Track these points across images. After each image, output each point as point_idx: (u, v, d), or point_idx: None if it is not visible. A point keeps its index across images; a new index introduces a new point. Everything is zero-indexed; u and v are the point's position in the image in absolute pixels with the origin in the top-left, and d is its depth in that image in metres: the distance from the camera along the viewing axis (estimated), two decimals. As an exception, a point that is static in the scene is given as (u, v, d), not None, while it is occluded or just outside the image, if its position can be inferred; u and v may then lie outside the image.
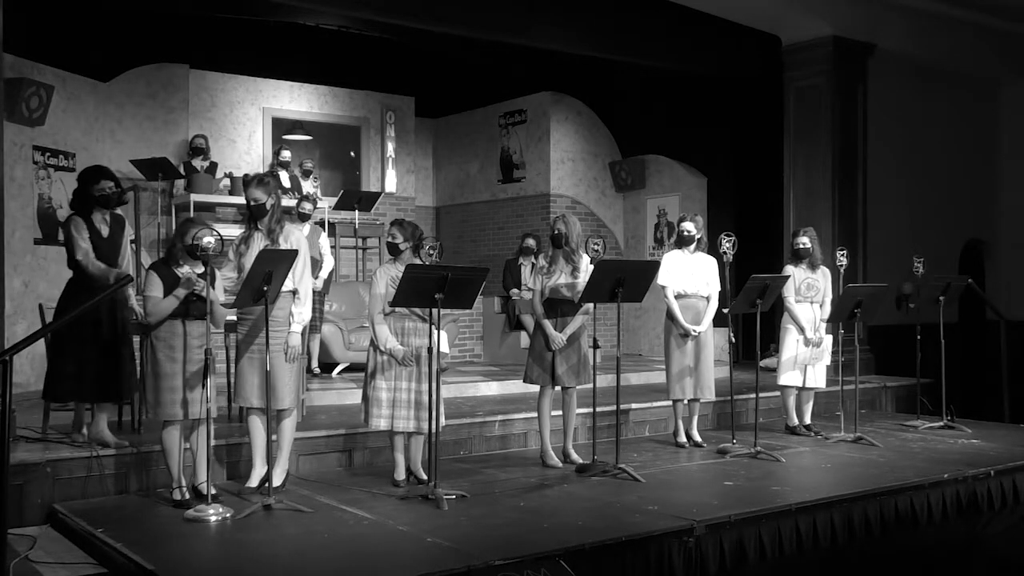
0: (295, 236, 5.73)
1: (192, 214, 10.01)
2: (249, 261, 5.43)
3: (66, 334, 5.73)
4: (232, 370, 6.20)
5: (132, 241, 6.63)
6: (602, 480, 6.11)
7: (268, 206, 5.67)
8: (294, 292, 5.67)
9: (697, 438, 7.42)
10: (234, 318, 5.86)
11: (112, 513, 5.31)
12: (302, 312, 5.68)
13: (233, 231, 8.06)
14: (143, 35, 10.35)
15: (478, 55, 11.49)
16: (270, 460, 5.65)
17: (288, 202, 10.23)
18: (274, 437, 5.75)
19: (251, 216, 5.74)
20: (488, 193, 13.44)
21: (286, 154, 10.69)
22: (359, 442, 6.63)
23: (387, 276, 5.82)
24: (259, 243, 5.62)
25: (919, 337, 8.34)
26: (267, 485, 5.46)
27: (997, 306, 10.24)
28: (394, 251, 5.99)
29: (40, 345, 6.33)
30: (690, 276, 7.25)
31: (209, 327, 5.29)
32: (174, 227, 10.33)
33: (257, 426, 5.72)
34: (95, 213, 5.84)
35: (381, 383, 5.85)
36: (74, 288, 5.80)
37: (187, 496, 5.42)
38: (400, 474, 5.98)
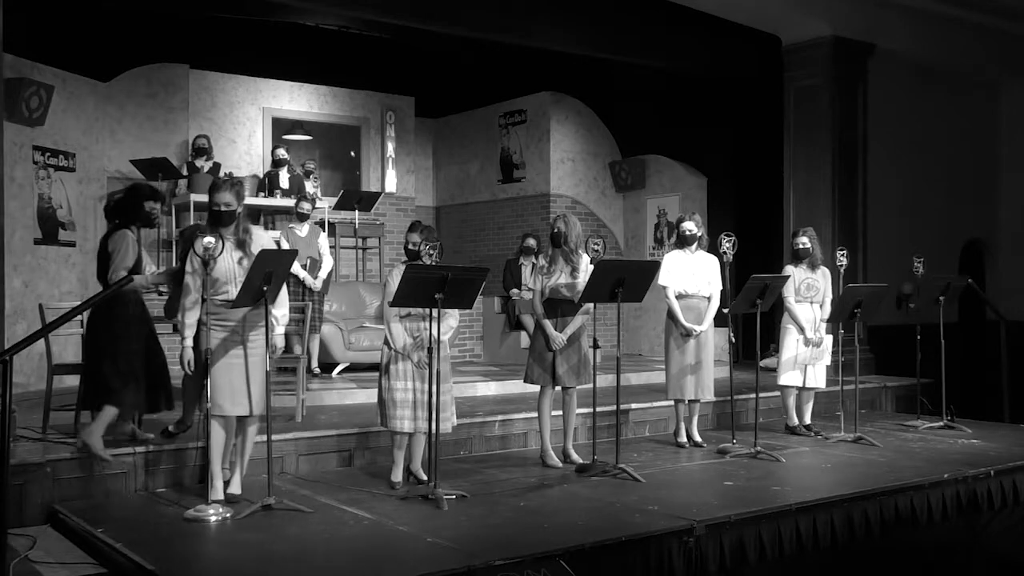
0: (264, 240, 5.53)
1: (192, 214, 10.01)
2: (219, 269, 5.29)
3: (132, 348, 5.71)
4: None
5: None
6: (602, 480, 6.11)
7: (236, 213, 5.40)
8: None
9: (697, 438, 7.42)
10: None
11: (112, 513, 5.31)
12: (278, 316, 5.46)
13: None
14: (143, 35, 10.34)
15: (478, 55, 11.49)
16: (235, 467, 5.53)
17: (287, 202, 10.29)
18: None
19: (215, 221, 5.38)
20: (488, 193, 13.44)
21: (279, 152, 10.67)
22: (359, 442, 6.63)
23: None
24: (229, 251, 5.33)
25: (919, 337, 8.33)
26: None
27: (997, 306, 10.24)
28: (413, 256, 6.01)
29: (40, 345, 6.32)
30: (691, 276, 7.24)
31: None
32: (175, 226, 10.40)
33: (220, 433, 5.42)
34: (132, 229, 5.81)
35: (397, 384, 5.83)
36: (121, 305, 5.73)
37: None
38: (397, 476, 5.94)
